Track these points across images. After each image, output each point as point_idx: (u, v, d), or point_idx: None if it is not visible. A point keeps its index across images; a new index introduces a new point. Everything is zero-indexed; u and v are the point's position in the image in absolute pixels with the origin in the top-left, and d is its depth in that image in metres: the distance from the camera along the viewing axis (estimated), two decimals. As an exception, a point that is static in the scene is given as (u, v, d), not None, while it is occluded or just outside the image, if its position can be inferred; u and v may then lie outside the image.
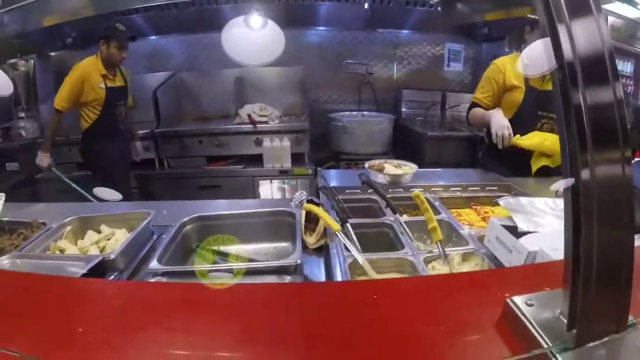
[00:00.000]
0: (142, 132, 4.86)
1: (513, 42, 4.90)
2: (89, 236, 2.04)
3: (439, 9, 5.31)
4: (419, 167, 2.63)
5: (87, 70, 4.03)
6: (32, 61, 5.72)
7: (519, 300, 0.92)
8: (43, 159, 4.20)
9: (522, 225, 1.49)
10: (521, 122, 2.78)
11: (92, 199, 4.03)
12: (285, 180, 4.94)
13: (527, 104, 2.84)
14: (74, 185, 4.21)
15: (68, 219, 2.08)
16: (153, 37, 6.09)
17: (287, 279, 1.56)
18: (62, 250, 1.90)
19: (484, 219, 2.13)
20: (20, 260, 1.70)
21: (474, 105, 3.11)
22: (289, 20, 5.39)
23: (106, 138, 4.17)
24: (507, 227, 1.50)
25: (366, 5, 5.34)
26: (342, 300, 1.12)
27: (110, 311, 1.09)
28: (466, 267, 1.59)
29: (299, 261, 1.57)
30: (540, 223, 1.53)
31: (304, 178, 4.87)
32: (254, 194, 4.96)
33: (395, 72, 6.15)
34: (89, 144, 4.29)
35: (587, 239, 0.76)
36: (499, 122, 2.69)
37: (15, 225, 2.19)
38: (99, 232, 2.09)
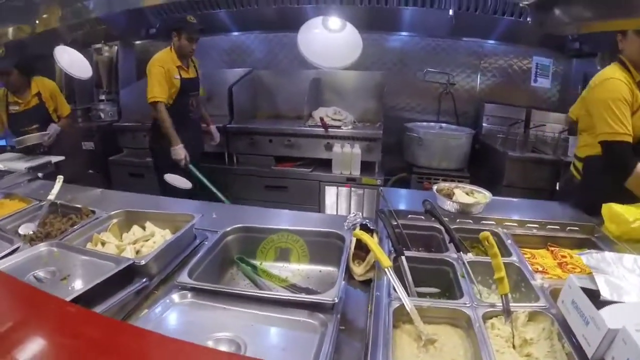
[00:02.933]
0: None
1: (606, 57, 4.39)
2: (134, 231, 2.07)
3: (528, 19, 4.98)
4: (496, 189, 2.36)
5: (166, 61, 4.14)
6: (116, 47, 6.00)
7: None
8: (179, 152, 4.17)
9: (605, 293, 1.25)
10: None
11: (224, 199, 4.18)
12: (353, 189, 4.78)
13: None
14: (207, 182, 4.24)
15: (115, 212, 2.13)
16: (235, 33, 6.17)
17: (320, 317, 1.40)
18: (103, 243, 1.93)
19: (560, 265, 1.89)
20: (57, 249, 1.74)
21: (628, 148, 2.37)
22: (370, 24, 5.27)
23: (177, 128, 4.20)
24: (587, 291, 1.26)
25: (451, 12, 5.08)
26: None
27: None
28: (531, 331, 1.36)
29: (336, 299, 1.40)
30: (627, 290, 1.28)
31: (372, 188, 4.69)
32: (319, 199, 4.87)
33: (478, 83, 5.83)
34: (161, 133, 4.28)
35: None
36: None
37: (67, 209, 2.34)
38: (145, 228, 2.10)
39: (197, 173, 4.22)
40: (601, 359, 1.14)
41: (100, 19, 5.44)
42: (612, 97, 2.38)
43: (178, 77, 4.19)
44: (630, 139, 2.35)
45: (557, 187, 2.95)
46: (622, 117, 2.34)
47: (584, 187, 2.43)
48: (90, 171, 4.93)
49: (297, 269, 1.93)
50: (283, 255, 1.94)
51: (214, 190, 4.18)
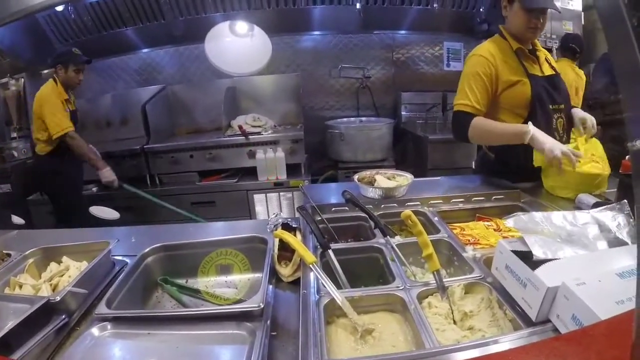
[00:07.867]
0: (127, 149, 4.67)
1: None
2: (51, 269, 1.87)
3: (435, 5, 5.11)
4: (422, 173, 2.34)
5: (58, 94, 4.11)
6: (22, 80, 5.61)
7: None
8: (108, 174, 4.21)
9: (537, 252, 1.20)
10: (537, 125, 2.29)
11: (164, 204, 4.32)
12: (282, 192, 4.70)
13: (537, 99, 2.34)
14: (148, 196, 4.34)
15: (29, 251, 1.92)
16: (144, 50, 5.92)
17: (248, 326, 1.29)
18: (20, 286, 1.74)
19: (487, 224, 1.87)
20: (-30, 300, 1.55)
21: (467, 115, 2.35)
22: (280, 27, 5.22)
23: (65, 161, 4.22)
24: (519, 254, 1.21)
25: (358, 6, 5.13)
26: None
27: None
28: (470, 303, 1.30)
29: (261, 305, 1.29)
30: (560, 246, 1.24)
31: (300, 190, 4.60)
32: (249, 209, 4.75)
33: (394, 74, 5.91)
34: (50, 167, 4.29)
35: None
36: (552, 143, 2.05)
37: (-19, 256, 2.09)
38: (61, 263, 1.91)
39: (136, 190, 4.24)
40: (546, 319, 1.09)
41: (3, 51, 5.13)
42: (465, 72, 2.41)
43: (67, 110, 4.17)
44: (468, 109, 2.34)
45: (473, 166, 2.95)
46: (468, 89, 2.35)
47: (497, 163, 2.43)
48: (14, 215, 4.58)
49: (224, 281, 1.81)
50: (225, 270, 1.80)
51: (163, 204, 4.24)
